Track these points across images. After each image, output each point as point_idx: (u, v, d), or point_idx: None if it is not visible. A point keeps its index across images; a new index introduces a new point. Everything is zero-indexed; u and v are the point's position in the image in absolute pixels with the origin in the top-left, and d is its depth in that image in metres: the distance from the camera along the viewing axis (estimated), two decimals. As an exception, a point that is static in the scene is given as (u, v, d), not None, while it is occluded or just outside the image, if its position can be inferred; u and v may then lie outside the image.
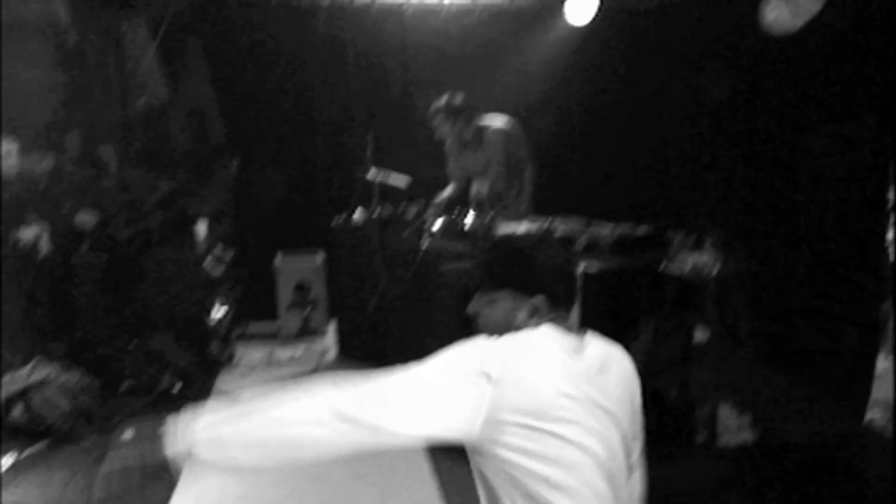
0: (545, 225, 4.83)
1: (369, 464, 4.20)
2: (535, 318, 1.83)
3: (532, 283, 1.84)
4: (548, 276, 1.85)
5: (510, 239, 2.13)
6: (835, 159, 3.59)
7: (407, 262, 5.18)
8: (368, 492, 3.92)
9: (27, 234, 5.09)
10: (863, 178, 3.61)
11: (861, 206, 3.63)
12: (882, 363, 4.02)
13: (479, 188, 5.22)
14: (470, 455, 1.76)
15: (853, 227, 3.64)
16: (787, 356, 4.00)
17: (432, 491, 3.91)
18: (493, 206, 5.26)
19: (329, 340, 6.32)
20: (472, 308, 1.92)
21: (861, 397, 3.85)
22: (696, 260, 4.29)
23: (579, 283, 1.97)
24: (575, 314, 4.16)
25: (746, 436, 4.23)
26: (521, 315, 1.84)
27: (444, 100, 5.38)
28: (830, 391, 3.70)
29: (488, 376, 1.62)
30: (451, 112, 5.35)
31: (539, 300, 1.83)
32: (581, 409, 1.69)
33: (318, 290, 6.56)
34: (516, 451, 1.63)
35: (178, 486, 3.96)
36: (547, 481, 1.63)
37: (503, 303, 1.86)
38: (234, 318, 6.27)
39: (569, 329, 1.84)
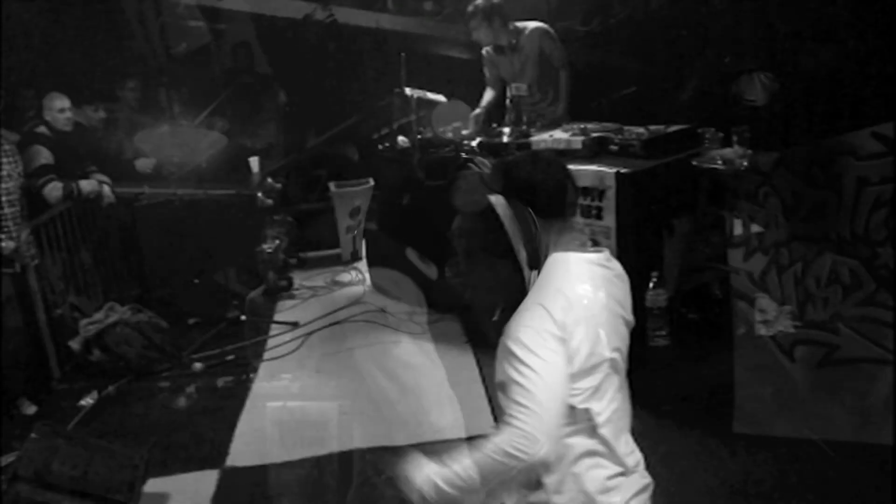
0: (579, 129, 4.85)
1: (420, 376, 4.45)
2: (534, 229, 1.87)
3: (518, 197, 1.88)
4: (527, 191, 1.88)
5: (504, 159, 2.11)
6: (879, 161, 3.48)
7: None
8: (419, 403, 4.16)
9: (88, 186, 5.32)
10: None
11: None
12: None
13: (516, 90, 5.22)
14: None
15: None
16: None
17: (482, 403, 4.12)
18: (531, 108, 5.30)
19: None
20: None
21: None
22: (726, 155, 4.27)
23: (576, 193, 1.98)
24: (610, 219, 4.22)
25: (787, 325, 4.28)
26: (522, 224, 1.87)
27: (480, 1, 5.38)
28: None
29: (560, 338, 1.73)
30: (488, 13, 5.36)
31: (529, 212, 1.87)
32: (605, 322, 1.82)
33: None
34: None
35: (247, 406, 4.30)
36: (583, 391, 1.77)
37: (507, 218, 1.89)
38: (289, 248, 6.50)
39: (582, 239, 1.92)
